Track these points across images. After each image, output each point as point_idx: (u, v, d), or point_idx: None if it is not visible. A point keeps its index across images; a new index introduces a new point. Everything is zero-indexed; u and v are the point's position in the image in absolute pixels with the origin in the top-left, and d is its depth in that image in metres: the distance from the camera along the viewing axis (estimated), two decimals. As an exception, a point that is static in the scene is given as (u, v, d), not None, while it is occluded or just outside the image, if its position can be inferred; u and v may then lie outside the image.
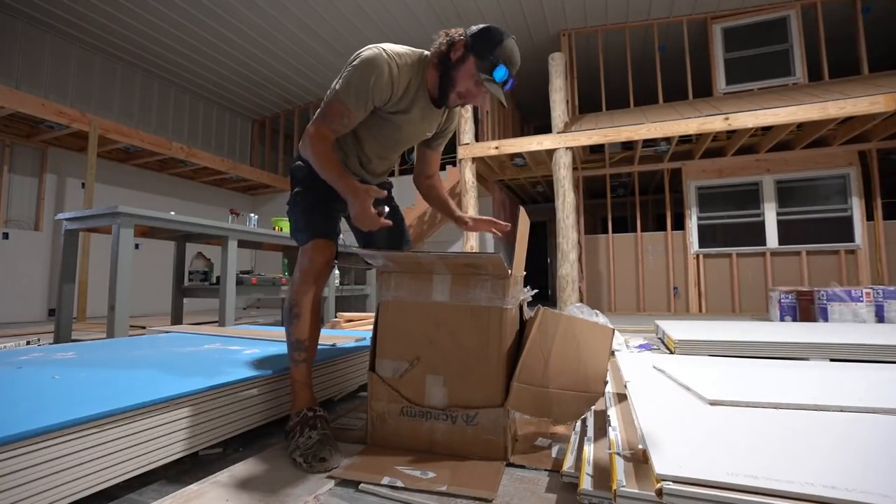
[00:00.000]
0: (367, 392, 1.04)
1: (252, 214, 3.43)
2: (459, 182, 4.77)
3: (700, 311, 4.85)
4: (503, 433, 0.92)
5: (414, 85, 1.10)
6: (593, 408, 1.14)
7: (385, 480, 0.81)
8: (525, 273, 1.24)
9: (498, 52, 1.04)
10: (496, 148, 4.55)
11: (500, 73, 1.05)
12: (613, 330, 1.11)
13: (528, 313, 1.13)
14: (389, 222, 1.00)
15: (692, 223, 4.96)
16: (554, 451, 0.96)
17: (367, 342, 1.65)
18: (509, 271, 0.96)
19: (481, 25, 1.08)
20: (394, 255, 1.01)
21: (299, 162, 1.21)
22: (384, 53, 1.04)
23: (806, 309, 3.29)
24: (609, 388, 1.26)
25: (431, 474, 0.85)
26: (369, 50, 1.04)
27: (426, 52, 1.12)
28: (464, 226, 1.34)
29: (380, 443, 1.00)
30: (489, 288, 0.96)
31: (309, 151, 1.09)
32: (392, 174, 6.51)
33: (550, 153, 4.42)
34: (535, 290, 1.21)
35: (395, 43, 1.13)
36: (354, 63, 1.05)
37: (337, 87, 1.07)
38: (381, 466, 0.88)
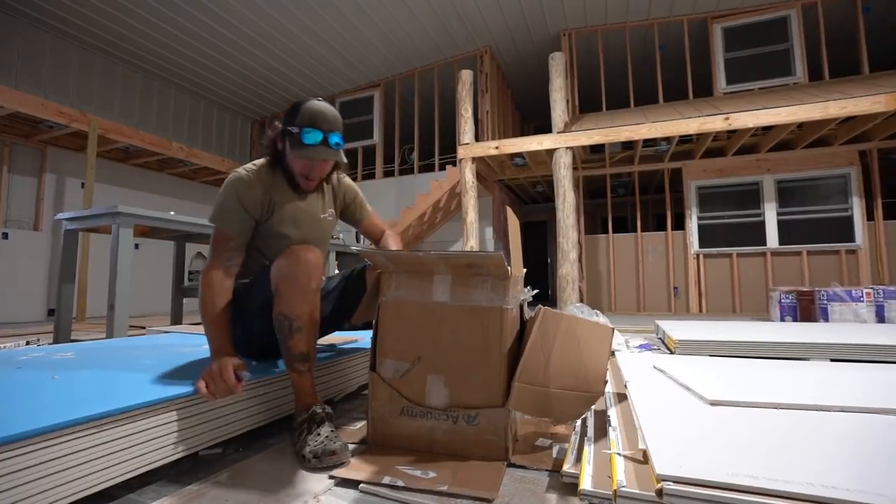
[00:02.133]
0: (368, 392, 1.03)
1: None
2: (459, 182, 4.77)
3: (700, 311, 4.85)
4: (504, 433, 0.92)
5: (275, 183, 1.17)
6: (594, 408, 1.14)
7: (386, 480, 0.81)
8: (525, 271, 1.24)
9: (298, 121, 1.09)
10: (496, 148, 4.55)
11: (309, 136, 1.08)
12: (613, 329, 1.11)
13: (528, 313, 1.13)
14: (240, 391, 0.92)
15: (692, 223, 4.96)
16: (554, 452, 0.96)
17: (366, 343, 1.65)
18: (510, 271, 0.96)
19: (288, 108, 1.15)
20: (395, 255, 1.01)
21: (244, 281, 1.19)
22: (241, 170, 1.14)
23: (806, 309, 3.29)
24: (609, 388, 1.26)
25: (432, 474, 0.85)
26: (231, 173, 1.15)
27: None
28: None
29: (381, 443, 1.00)
30: (489, 288, 0.96)
31: (200, 295, 1.06)
32: (393, 173, 6.53)
33: (550, 153, 4.42)
34: (536, 291, 1.21)
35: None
36: (219, 193, 1.14)
37: (212, 220, 1.13)
38: (381, 466, 0.88)
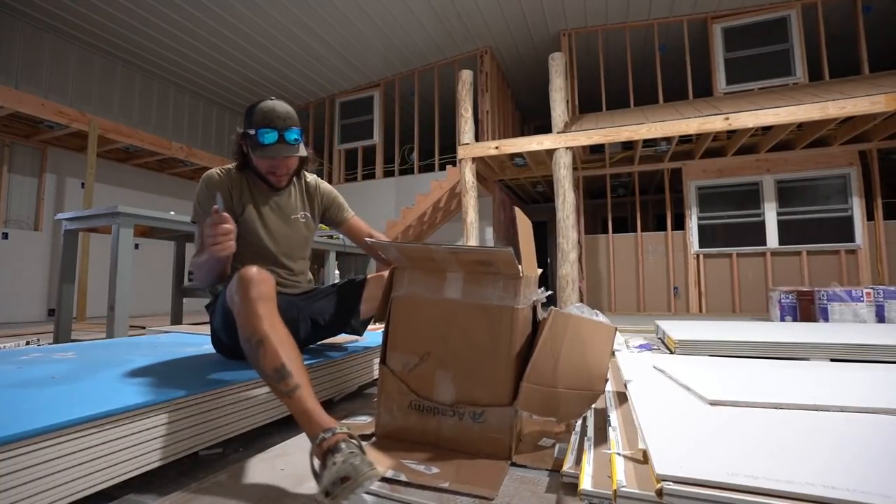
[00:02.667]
0: (378, 385, 1.05)
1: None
2: (459, 182, 4.77)
3: (700, 311, 4.85)
4: (509, 432, 0.92)
5: (246, 183, 1.24)
6: (594, 407, 1.14)
7: (389, 474, 0.82)
8: (541, 271, 1.25)
9: (254, 123, 1.13)
10: (496, 148, 4.55)
11: (266, 136, 1.12)
12: (615, 328, 1.11)
13: (541, 314, 1.13)
14: (224, 222, 0.97)
15: (692, 223, 4.96)
16: (556, 451, 0.96)
17: (366, 343, 1.65)
18: (521, 270, 0.96)
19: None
20: (406, 248, 1.01)
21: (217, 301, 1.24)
22: (212, 170, 1.22)
23: (806, 309, 3.29)
24: (609, 388, 1.26)
25: (435, 470, 0.85)
26: (203, 177, 1.22)
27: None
28: None
29: (387, 436, 1.01)
30: (501, 287, 0.97)
31: (195, 275, 1.13)
32: (393, 173, 6.53)
33: (550, 153, 4.42)
34: (550, 292, 1.22)
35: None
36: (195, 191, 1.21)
37: (194, 218, 1.20)
38: (386, 459, 0.88)
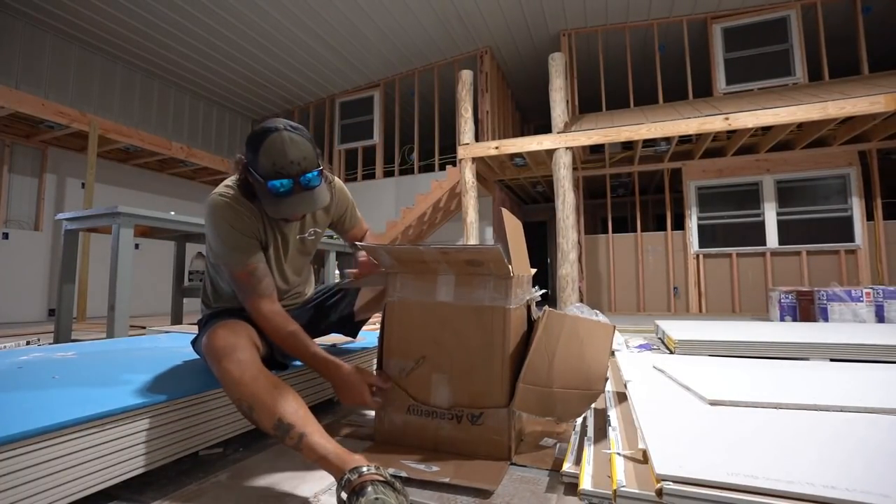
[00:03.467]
0: (375, 390, 1.04)
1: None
2: (459, 182, 4.77)
3: (700, 311, 4.85)
4: (507, 433, 0.93)
5: (258, 211, 1.03)
6: (594, 407, 1.14)
7: (390, 472, 0.82)
8: (535, 271, 1.25)
9: (261, 171, 0.90)
10: (496, 148, 4.55)
11: (277, 188, 0.90)
12: (614, 327, 1.11)
13: (535, 313, 1.13)
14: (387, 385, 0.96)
15: (692, 223, 4.96)
16: (556, 451, 0.97)
17: (366, 343, 1.65)
18: (511, 270, 0.96)
19: (249, 136, 0.94)
20: (396, 251, 1.01)
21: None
22: (220, 195, 1.00)
23: (806, 309, 3.29)
24: (609, 388, 1.26)
25: (435, 468, 0.86)
26: (207, 206, 1.00)
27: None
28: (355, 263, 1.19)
29: (387, 440, 1.01)
30: (492, 288, 0.97)
31: (266, 330, 1.00)
32: (393, 173, 6.52)
33: (550, 153, 4.42)
34: (544, 291, 1.22)
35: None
36: (209, 226, 1.00)
37: (219, 261, 1.03)
38: (386, 461, 0.89)
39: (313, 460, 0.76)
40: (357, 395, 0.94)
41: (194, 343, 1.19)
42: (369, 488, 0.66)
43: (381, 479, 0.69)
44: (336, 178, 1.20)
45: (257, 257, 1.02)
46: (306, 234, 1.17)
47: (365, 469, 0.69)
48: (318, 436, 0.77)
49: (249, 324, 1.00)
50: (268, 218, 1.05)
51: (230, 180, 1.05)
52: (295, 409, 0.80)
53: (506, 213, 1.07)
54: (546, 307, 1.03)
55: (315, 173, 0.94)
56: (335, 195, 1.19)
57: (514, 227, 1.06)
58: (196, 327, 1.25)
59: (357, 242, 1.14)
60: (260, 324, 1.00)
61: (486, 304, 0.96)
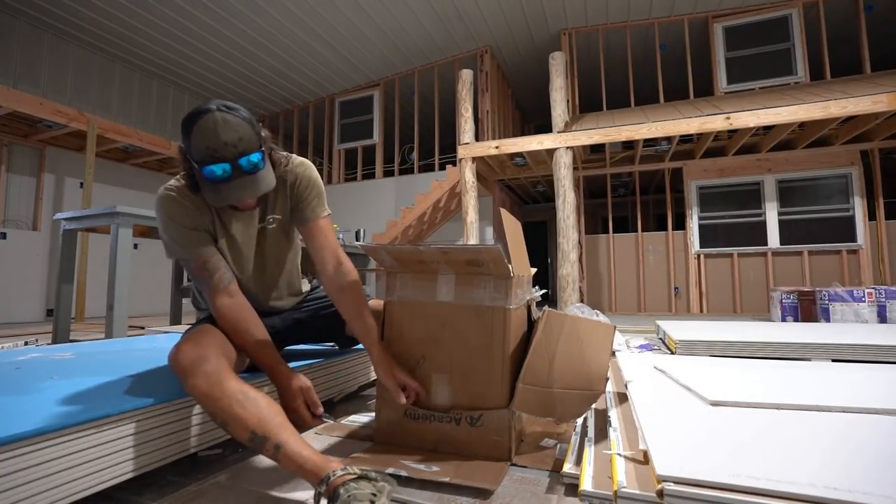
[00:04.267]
0: (375, 391, 1.05)
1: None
2: (459, 182, 4.77)
3: (701, 311, 4.85)
4: (507, 434, 0.92)
5: (204, 203, 0.97)
6: (595, 407, 1.14)
7: (389, 471, 0.82)
8: (535, 270, 1.25)
9: (194, 154, 0.84)
10: (496, 147, 4.54)
11: (213, 172, 0.84)
12: (615, 327, 1.11)
13: (536, 313, 1.13)
14: (319, 410, 0.88)
15: (693, 223, 4.95)
16: (557, 452, 0.96)
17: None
18: (511, 270, 0.95)
19: (183, 117, 0.87)
20: (395, 250, 1.01)
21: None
22: (163, 189, 0.97)
23: (807, 309, 3.28)
24: (610, 388, 1.25)
25: (436, 468, 0.86)
26: (156, 200, 0.97)
27: None
28: (375, 364, 1.00)
29: (386, 441, 1.01)
30: (492, 288, 0.97)
31: (225, 328, 0.97)
32: (392, 173, 6.52)
33: (551, 153, 4.42)
34: (544, 291, 1.21)
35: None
36: (157, 221, 0.98)
37: (172, 256, 1.01)
38: (386, 461, 0.88)
39: (290, 469, 0.74)
40: (290, 411, 0.89)
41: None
42: (340, 490, 0.65)
43: (351, 476, 0.68)
44: (301, 159, 1.08)
45: (207, 250, 0.97)
46: (266, 224, 1.06)
47: (332, 475, 0.68)
48: (294, 445, 0.74)
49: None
50: (217, 208, 0.97)
51: (178, 177, 0.99)
52: (268, 419, 0.77)
53: (504, 213, 1.07)
54: (546, 307, 1.03)
55: (257, 155, 0.87)
56: (296, 175, 1.05)
57: (513, 228, 1.06)
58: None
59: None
60: (218, 322, 0.97)
61: (486, 304, 0.96)
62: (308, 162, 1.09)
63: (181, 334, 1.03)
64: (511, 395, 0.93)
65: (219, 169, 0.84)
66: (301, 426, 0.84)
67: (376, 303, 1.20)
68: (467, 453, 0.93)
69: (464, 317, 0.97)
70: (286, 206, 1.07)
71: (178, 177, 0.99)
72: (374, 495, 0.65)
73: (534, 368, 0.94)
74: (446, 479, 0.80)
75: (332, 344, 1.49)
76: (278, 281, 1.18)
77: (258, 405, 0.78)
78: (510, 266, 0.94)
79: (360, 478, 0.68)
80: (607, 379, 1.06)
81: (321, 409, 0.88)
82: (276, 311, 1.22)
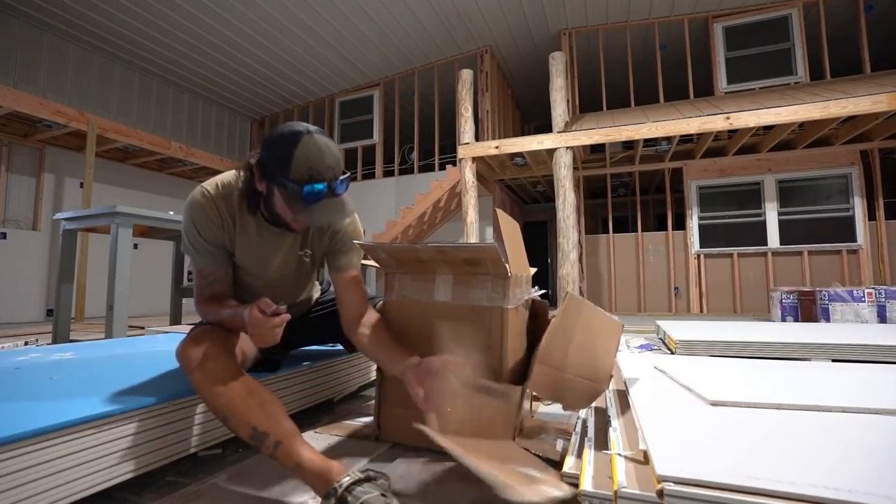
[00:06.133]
0: (376, 391, 1.05)
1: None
2: (459, 182, 4.77)
3: (701, 311, 4.85)
4: (516, 411, 0.93)
5: (239, 213, 0.97)
6: (594, 406, 1.14)
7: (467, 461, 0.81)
8: (535, 270, 1.25)
9: (294, 176, 0.84)
10: (496, 147, 4.54)
11: (312, 193, 0.84)
12: (622, 325, 1.11)
13: (524, 313, 1.13)
14: (287, 317, 0.80)
15: (693, 223, 4.95)
16: (559, 445, 0.96)
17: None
18: (509, 270, 0.95)
19: (268, 137, 0.88)
20: (393, 249, 1.01)
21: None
22: (198, 191, 0.96)
23: (808, 309, 3.28)
24: (610, 388, 1.25)
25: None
26: (188, 198, 0.97)
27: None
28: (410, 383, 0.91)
29: (388, 440, 1.02)
30: (490, 287, 0.96)
31: (205, 319, 0.98)
32: (392, 173, 6.51)
33: (551, 153, 4.42)
34: (543, 291, 1.22)
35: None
36: (183, 217, 0.98)
37: (187, 253, 1.02)
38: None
39: (290, 468, 0.74)
40: (266, 334, 0.79)
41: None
42: (349, 498, 0.67)
43: (356, 480, 0.69)
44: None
45: (215, 263, 0.98)
46: (302, 253, 1.06)
47: (337, 484, 0.68)
48: (294, 444, 0.75)
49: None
50: (245, 218, 0.98)
51: (223, 177, 0.99)
52: (270, 417, 0.77)
53: (501, 213, 1.07)
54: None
55: (344, 179, 0.89)
56: (342, 226, 1.07)
57: (510, 228, 1.06)
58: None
59: (356, 241, 1.04)
60: (201, 314, 0.98)
61: (483, 304, 0.96)
62: (356, 216, 1.08)
63: (181, 334, 1.03)
64: (525, 377, 0.94)
65: (320, 189, 0.85)
66: (264, 328, 0.78)
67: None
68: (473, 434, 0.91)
69: (462, 316, 0.98)
70: (321, 247, 1.08)
71: (214, 180, 0.98)
72: (384, 495, 0.66)
73: (551, 350, 0.94)
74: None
75: (332, 345, 1.49)
76: (295, 299, 1.18)
77: (262, 402, 0.79)
78: (507, 266, 0.94)
79: (365, 480, 0.69)
80: (611, 376, 1.06)
81: (274, 307, 0.79)
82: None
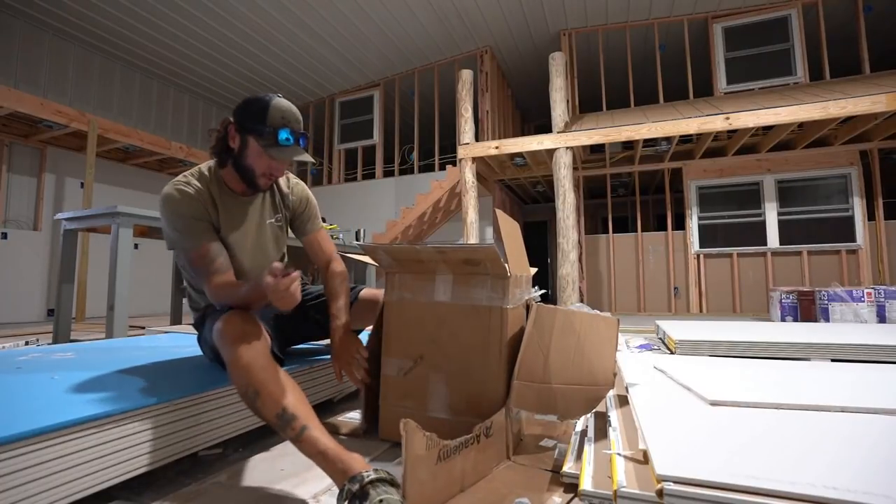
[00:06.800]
0: (380, 390, 1.06)
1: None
2: (459, 182, 4.77)
3: (701, 311, 4.85)
4: (505, 432, 0.92)
5: (215, 190, 1.08)
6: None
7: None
8: (536, 270, 1.25)
9: (270, 121, 1.01)
10: (496, 148, 4.54)
11: (285, 134, 1.01)
12: (618, 321, 1.10)
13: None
14: (297, 273, 0.83)
15: (693, 223, 4.95)
16: (556, 453, 0.96)
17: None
18: (508, 269, 0.95)
19: (241, 102, 1.07)
20: (394, 250, 1.02)
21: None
22: (170, 185, 1.05)
23: (807, 309, 3.28)
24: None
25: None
26: (160, 198, 1.05)
27: (209, 163, 1.12)
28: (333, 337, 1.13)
29: (388, 440, 1.02)
30: (489, 287, 0.97)
31: (222, 301, 1.01)
32: (392, 173, 6.52)
33: (551, 153, 4.42)
34: (543, 291, 1.22)
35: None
36: (161, 216, 1.05)
37: (174, 247, 1.06)
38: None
39: (311, 454, 0.75)
40: (289, 296, 0.82)
41: (200, 339, 1.19)
42: (372, 492, 0.67)
43: (380, 478, 0.70)
44: (297, 179, 1.29)
45: (209, 237, 1.04)
46: (273, 220, 1.20)
47: (365, 474, 0.69)
48: (319, 431, 0.77)
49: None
50: (220, 198, 1.09)
51: (187, 172, 1.10)
52: (299, 402, 0.80)
53: (500, 213, 1.07)
54: (535, 303, 1.03)
55: (304, 137, 1.07)
56: (297, 194, 1.26)
57: (509, 228, 1.06)
58: (195, 329, 1.25)
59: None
60: (217, 297, 1.00)
61: (483, 304, 0.96)
62: (303, 182, 1.30)
63: (181, 334, 1.04)
64: (508, 394, 0.93)
65: (291, 135, 1.02)
66: (283, 290, 0.81)
67: (371, 292, 1.34)
68: None
69: (461, 316, 0.98)
70: (286, 214, 1.25)
71: (183, 174, 1.09)
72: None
73: (528, 365, 0.93)
74: None
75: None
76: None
77: (292, 388, 0.83)
78: (507, 266, 0.94)
79: (388, 482, 0.70)
80: (615, 374, 1.06)
81: (282, 267, 0.83)
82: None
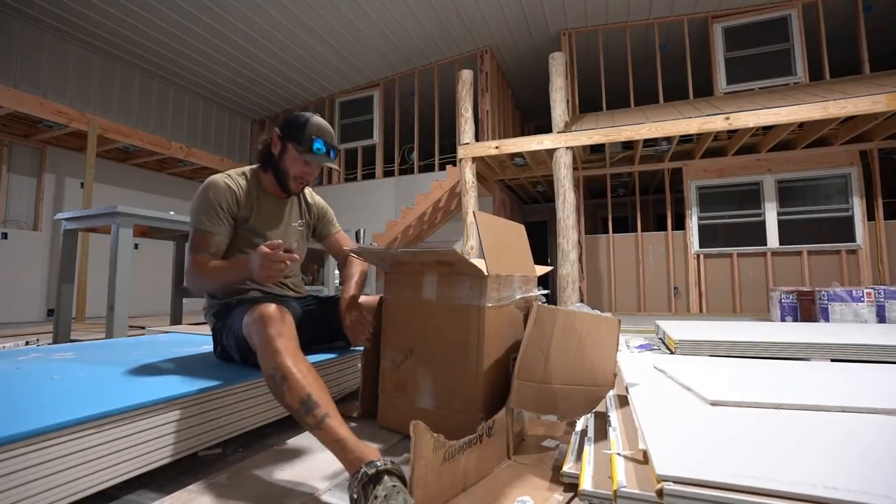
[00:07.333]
0: (379, 380, 1.14)
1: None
2: (459, 182, 4.77)
3: (701, 311, 4.85)
4: (505, 432, 0.92)
5: (254, 190, 1.29)
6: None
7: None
8: (551, 268, 1.29)
9: (307, 131, 1.24)
10: (496, 148, 4.54)
11: (318, 144, 1.25)
12: (619, 321, 1.11)
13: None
14: (294, 256, 0.98)
15: (693, 223, 4.95)
16: (558, 453, 0.96)
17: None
18: (485, 270, 0.96)
19: (287, 117, 1.29)
20: (377, 253, 1.11)
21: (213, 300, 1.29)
22: (218, 175, 1.25)
23: (807, 309, 3.28)
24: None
25: None
26: (207, 180, 1.23)
27: (253, 166, 1.34)
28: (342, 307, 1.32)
29: (387, 427, 1.09)
30: (468, 287, 1.00)
31: (198, 282, 1.15)
32: (393, 173, 6.52)
33: (551, 153, 4.42)
34: (547, 291, 1.25)
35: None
36: (196, 193, 1.22)
37: (191, 221, 1.21)
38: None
39: (329, 441, 0.78)
40: (276, 267, 0.97)
41: (221, 330, 1.22)
42: (385, 477, 0.70)
43: (394, 471, 0.72)
44: (310, 190, 1.51)
45: (222, 231, 1.20)
46: (297, 224, 1.41)
47: (380, 463, 0.73)
48: (338, 421, 0.80)
49: None
50: (261, 195, 1.30)
51: (235, 169, 1.30)
52: (323, 392, 0.84)
53: (479, 213, 1.06)
54: (535, 302, 1.04)
55: (336, 149, 1.31)
56: (316, 204, 1.51)
57: (488, 228, 1.05)
58: (197, 327, 1.27)
59: (348, 248, 1.36)
60: (200, 273, 1.12)
61: (462, 303, 1.00)
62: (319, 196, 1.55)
63: (182, 334, 1.06)
64: (486, 391, 0.95)
65: (324, 146, 1.26)
66: (274, 261, 0.96)
67: (372, 299, 1.41)
68: None
69: (443, 314, 1.02)
70: (310, 221, 1.49)
71: (231, 171, 1.29)
72: (406, 501, 0.68)
73: (529, 364, 0.94)
74: None
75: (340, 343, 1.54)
76: (295, 267, 1.45)
77: (317, 378, 0.87)
78: (478, 265, 0.97)
79: (399, 477, 0.72)
80: (615, 375, 1.06)
81: (281, 243, 0.98)
82: (290, 289, 1.42)
